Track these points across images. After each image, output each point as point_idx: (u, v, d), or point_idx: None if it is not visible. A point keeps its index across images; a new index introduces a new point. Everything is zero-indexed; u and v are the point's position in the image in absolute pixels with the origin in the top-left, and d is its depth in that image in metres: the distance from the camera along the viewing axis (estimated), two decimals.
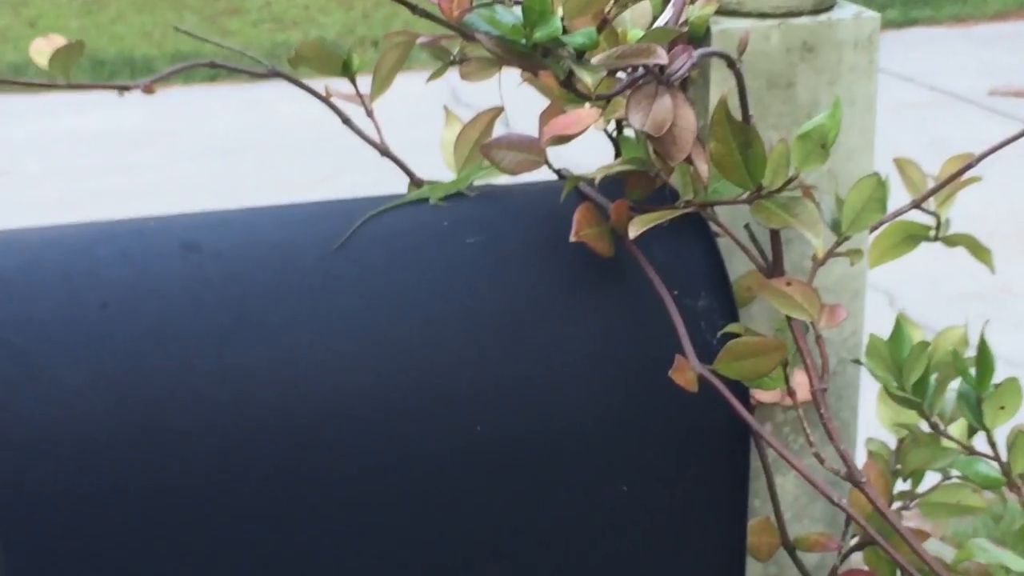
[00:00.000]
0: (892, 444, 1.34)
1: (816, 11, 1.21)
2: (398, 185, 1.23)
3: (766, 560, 1.22)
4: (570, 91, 0.99)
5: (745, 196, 1.07)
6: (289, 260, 1.09)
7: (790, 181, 1.05)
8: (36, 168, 5.46)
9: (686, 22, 1.04)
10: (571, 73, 0.96)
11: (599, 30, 0.94)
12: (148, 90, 1.22)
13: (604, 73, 0.95)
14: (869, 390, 1.29)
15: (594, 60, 0.95)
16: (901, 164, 1.35)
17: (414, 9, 1.09)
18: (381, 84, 1.28)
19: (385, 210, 1.12)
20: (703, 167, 1.03)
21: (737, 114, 1.05)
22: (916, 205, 1.35)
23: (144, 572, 1.02)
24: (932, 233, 1.39)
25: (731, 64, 1.01)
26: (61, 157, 5.40)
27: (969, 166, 1.30)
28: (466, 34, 1.08)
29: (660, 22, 1.00)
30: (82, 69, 6.05)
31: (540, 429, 1.09)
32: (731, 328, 1.10)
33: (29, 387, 1.00)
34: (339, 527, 1.06)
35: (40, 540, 0.99)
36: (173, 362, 1.03)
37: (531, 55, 0.96)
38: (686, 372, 1.04)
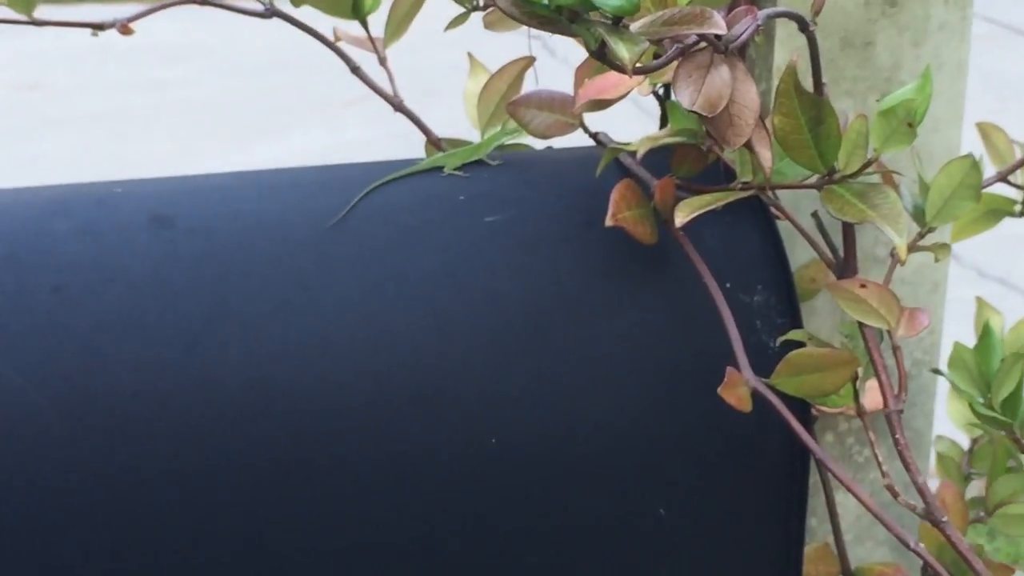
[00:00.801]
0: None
1: None
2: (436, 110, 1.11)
3: None
4: (603, 62, 0.83)
5: (814, 180, 0.93)
6: (276, 238, 0.97)
7: (868, 164, 0.90)
8: (66, 82, 5.37)
9: None
10: (604, 42, 0.79)
11: None
12: (125, 30, 1.08)
13: (645, 44, 0.78)
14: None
15: (634, 27, 0.78)
16: (985, 130, 1.20)
17: None
18: (396, 28, 1.15)
19: (391, 180, 1.00)
20: (765, 154, 0.87)
21: (807, 84, 0.90)
22: (1002, 178, 1.19)
23: None
24: (1018, 208, 1.24)
25: (803, 27, 0.84)
26: (91, 71, 5.28)
27: None
28: None
29: None
30: None
31: (565, 442, 0.97)
32: (794, 335, 0.97)
33: None
34: (327, 551, 0.93)
35: None
36: (136, 356, 0.90)
37: (555, 20, 0.79)
38: (738, 388, 0.90)
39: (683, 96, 0.81)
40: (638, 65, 0.79)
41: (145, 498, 0.89)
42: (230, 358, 0.91)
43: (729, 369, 0.90)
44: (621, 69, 0.80)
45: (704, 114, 0.82)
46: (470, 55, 1.20)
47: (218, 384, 0.91)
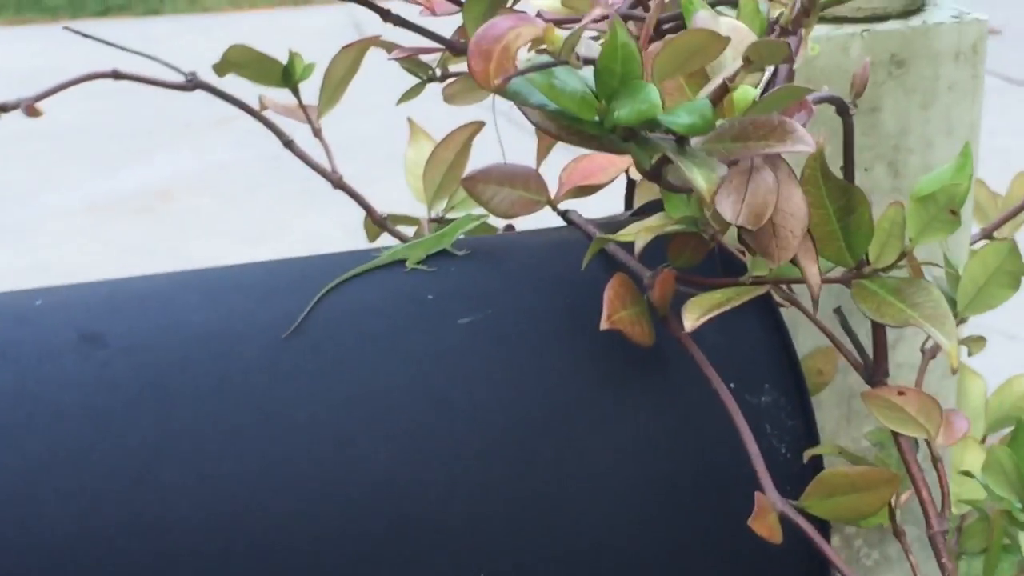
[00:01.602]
0: None
1: (907, 13, 0.98)
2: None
3: None
4: (660, 184, 0.73)
5: (840, 274, 0.84)
6: (224, 353, 0.88)
7: (903, 256, 0.82)
8: None
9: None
10: (664, 160, 0.69)
11: (714, 103, 0.67)
12: (32, 112, 1.02)
13: (724, 170, 0.68)
14: None
15: (702, 145, 0.68)
16: None
17: (386, 16, 0.90)
18: (331, 95, 1.09)
19: (349, 278, 0.92)
20: (812, 270, 0.79)
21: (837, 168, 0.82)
22: (987, 235, 1.14)
23: None
24: None
25: (843, 111, 0.75)
26: None
27: None
28: (455, 48, 0.87)
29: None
30: None
31: (561, 569, 0.90)
32: (820, 450, 0.91)
33: None
34: None
35: None
36: (75, 498, 0.81)
37: (604, 138, 0.69)
38: (768, 517, 0.81)
39: (724, 207, 0.71)
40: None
41: None
42: (181, 495, 0.83)
43: (758, 495, 0.82)
44: (679, 190, 0.71)
45: (749, 227, 0.72)
46: (410, 120, 1.14)
47: (169, 525, 0.82)
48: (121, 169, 4.65)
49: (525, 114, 0.72)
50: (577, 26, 0.67)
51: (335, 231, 4.33)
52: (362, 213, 1.09)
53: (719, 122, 0.68)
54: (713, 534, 0.91)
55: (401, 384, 0.88)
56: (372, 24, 0.96)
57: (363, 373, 0.88)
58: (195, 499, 0.83)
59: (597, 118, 0.65)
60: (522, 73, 0.66)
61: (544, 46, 0.69)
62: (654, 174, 0.72)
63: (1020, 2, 5.93)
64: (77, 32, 1.06)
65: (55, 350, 0.86)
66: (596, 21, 0.71)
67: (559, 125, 0.68)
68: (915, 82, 0.98)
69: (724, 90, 0.67)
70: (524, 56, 0.69)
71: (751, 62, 0.67)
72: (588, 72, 0.66)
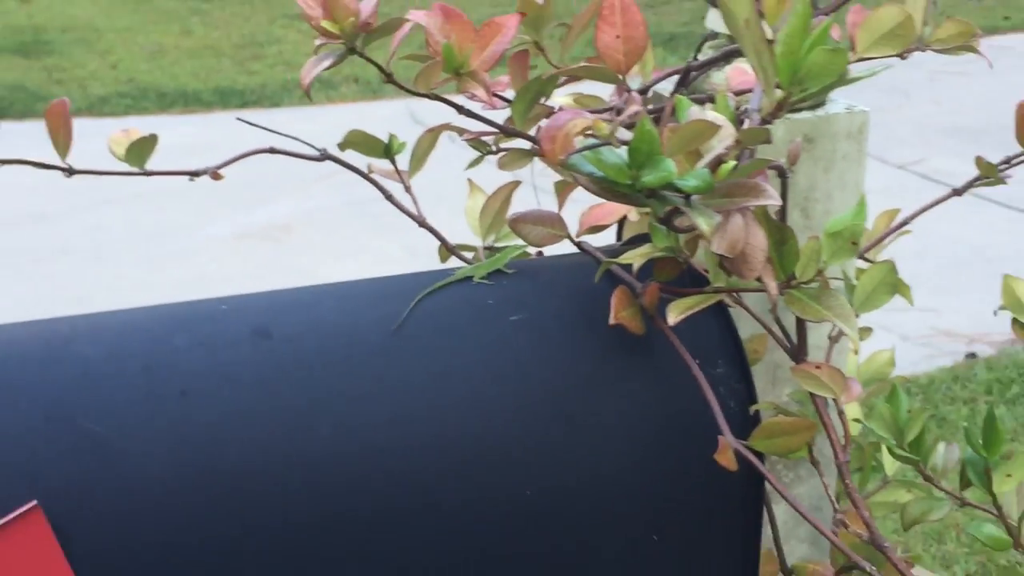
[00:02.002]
0: None
1: (815, 106, 0.96)
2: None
3: None
4: (668, 227, 0.70)
5: (774, 288, 0.80)
6: (354, 343, 0.86)
7: (819, 273, 0.79)
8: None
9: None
10: (675, 210, 0.66)
11: (712, 171, 0.64)
12: (216, 176, 0.98)
13: (718, 218, 0.65)
14: None
15: (701, 200, 0.65)
16: None
17: (460, 109, 0.87)
18: (417, 164, 1.05)
19: (434, 291, 0.90)
20: (771, 284, 0.76)
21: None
22: (861, 256, 1.09)
23: None
24: None
25: (782, 175, 0.72)
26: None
27: (902, 224, 1.07)
28: (507, 131, 0.84)
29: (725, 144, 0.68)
30: (148, 99, 5.85)
31: (585, 487, 0.87)
32: (759, 406, 0.88)
33: (110, 476, 0.76)
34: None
35: None
36: (249, 443, 0.79)
37: (632, 195, 0.66)
38: (727, 452, 0.80)
39: (714, 243, 0.69)
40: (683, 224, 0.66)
41: (260, 560, 0.79)
42: (323, 442, 0.81)
43: (720, 437, 0.81)
44: (681, 230, 0.68)
45: (727, 255, 0.69)
46: (470, 180, 1.08)
47: (315, 462, 0.80)
48: (256, 209, 4.61)
49: (576, 179, 0.69)
50: (616, 120, 0.65)
51: (398, 252, 4.32)
52: (413, 239, 1.06)
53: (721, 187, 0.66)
54: (689, 464, 0.88)
55: (471, 362, 0.86)
56: (424, 113, 0.94)
57: (446, 355, 0.85)
58: (333, 444, 0.81)
59: (629, 181, 0.63)
60: (579, 151, 0.64)
61: (591, 132, 0.67)
62: (665, 220, 0.69)
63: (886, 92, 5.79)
64: (246, 121, 1.02)
65: (236, 341, 0.83)
66: (619, 113, 0.69)
67: (601, 187, 0.66)
68: (820, 153, 0.95)
69: (719, 161, 0.64)
70: (579, 140, 0.67)
71: (740, 143, 0.65)
72: (623, 150, 0.64)
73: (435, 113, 0.90)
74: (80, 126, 0.96)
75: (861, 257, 1.10)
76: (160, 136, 0.97)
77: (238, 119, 1.04)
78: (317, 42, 0.78)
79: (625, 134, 0.64)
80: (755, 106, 0.68)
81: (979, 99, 5.77)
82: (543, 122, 0.70)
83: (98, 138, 1.03)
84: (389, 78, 0.82)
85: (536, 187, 1.07)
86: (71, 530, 0.74)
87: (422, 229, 1.04)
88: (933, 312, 3.43)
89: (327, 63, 0.78)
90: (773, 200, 0.65)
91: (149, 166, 0.97)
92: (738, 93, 0.81)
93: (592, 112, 0.71)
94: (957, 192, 1.05)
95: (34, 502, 0.72)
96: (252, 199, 4.62)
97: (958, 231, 4.09)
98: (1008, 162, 1.00)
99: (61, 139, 0.90)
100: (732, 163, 0.64)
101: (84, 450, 0.75)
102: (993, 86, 5.87)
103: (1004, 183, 1.00)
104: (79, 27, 7.17)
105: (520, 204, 0.99)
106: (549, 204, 0.98)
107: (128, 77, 6.13)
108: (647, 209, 0.80)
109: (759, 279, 0.74)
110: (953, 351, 3.32)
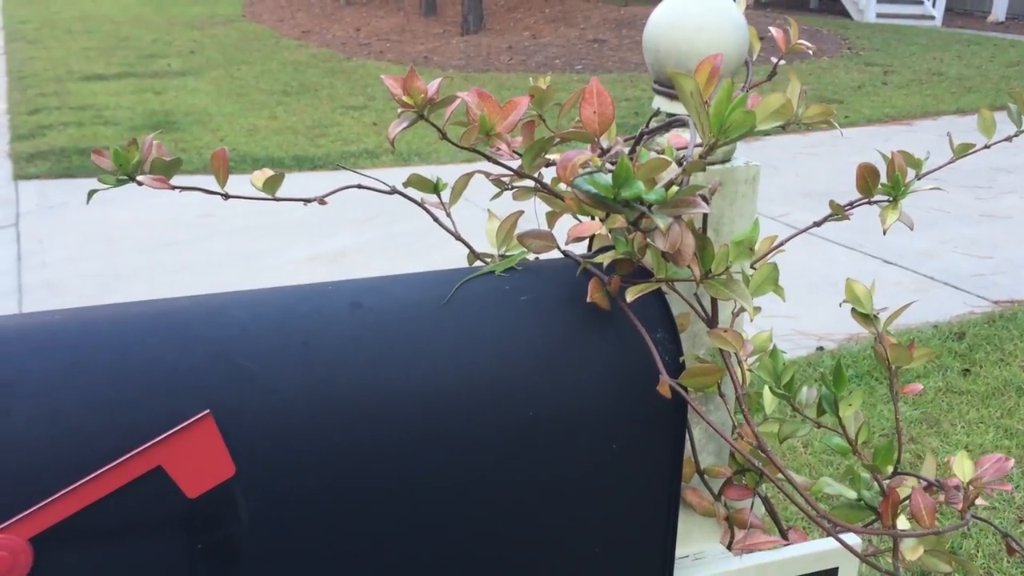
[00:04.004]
0: None
1: (724, 160, 0.98)
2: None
3: (688, 481, 1.00)
4: (637, 229, 0.74)
5: (699, 276, 0.84)
6: (416, 313, 0.86)
7: (727, 270, 0.82)
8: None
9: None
10: (641, 216, 0.70)
11: (667, 189, 0.69)
12: (321, 202, 0.99)
13: (671, 220, 0.69)
14: None
15: (658, 209, 0.69)
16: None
17: (488, 158, 0.89)
18: (455, 196, 1.07)
19: (470, 279, 0.91)
20: (697, 271, 0.79)
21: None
22: (752, 265, 1.11)
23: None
24: None
25: (706, 200, 0.76)
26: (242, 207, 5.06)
27: (777, 246, 1.07)
28: (519, 174, 0.87)
29: (672, 173, 0.73)
30: (246, 163, 5.84)
31: (569, 412, 0.88)
32: (685, 358, 0.90)
33: (256, 397, 0.77)
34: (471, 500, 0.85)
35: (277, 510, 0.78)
36: (350, 378, 0.81)
37: (613, 205, 0.70)
38: (665, 387, 0.84)
39: (659, 242, 0.72)
40: (644, 225, 0.70)
41: (354, 460, 0.80)
42: (396, 379, 0.82)
43: (660, 377, 0.84)
44: (643, 231, 0.72)
45: (669, 251, 0.73)
46: (489, 211, 1.11)
47: (391, 391, 0.81)
48: (323, 240, 4.59)
49: (576, 195, 0.72)
50: (607, 156, 0.69)
51: (424, 270, 4.31)
52: (436, 262, 1.08)
53: (671, 200, 0.70)
54: (639, 395, 0.89)
55: (495, 327, 0.87)
56: (445, 176, 0.96)
57: (478, 322, 0.86)
58: (405, 378, 0.81)
59: (613, 196, 0.67)
60: (582, 175, 0.68)
61: (590, 162, 0.71)
62: (634, 223, 0.73)
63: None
64: (348, 168, 1.05)
65: (339, 309, 0.84)
66: (605, 152, 0.73)
67: (593, 200, 0.69)
68: (727, 192, 0.97)
69: (670, 184, 0.69)
70: (580, 169, 0.71)
71: (687, 172, 0.69)
72: (609, 175, 0.68)
73: (440, 174, 0.93)
74: (199, 180, 0.99)
75: (752, 266, 1.14)
76: (252, 189, 0.99)
77: (339, 166, 1.07)
78: (399, 111, 0.81)
79: (609, 167, 0.69)
80: (689, 155, 0.73)
81: (826, 172, 5.85)
82: (553, 158, 0.73)
83: (209, 188, 1.05)
84: (443, 135, 0.86)
85: (536, 212, 1.10)
86: (230, 431, 0.75)
87: (441, 254, 1.07)
88: (794, 318, 3.49)
89: (405, 124, 0.82)
90: (704, 209, 0.69)
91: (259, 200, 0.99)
92: (677, 149, 0.85)
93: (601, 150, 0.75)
94: (816, 224, 1.08)
95: (207, 411, 0.74)
96: (320, 234, 4.62)
97: (811, 263, 4.17)
98: (852, 204, 1.04)
99: (221, 175, 0.92)
100: (676, 187, 0.69)
101: (239, 379, 0.77)
102: (836, 164, 5.95)
103: (848, 219, 1.04)
104: (197, 112, 7.16)
105: (524, 224, 1.02)
106: (544, 225, 1.02)
107: (231, 147, 6.12)
108: (616, 224, 0.84)
109: (689, 267, 0.77)
110: (807, 345, 3.37)
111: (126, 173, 0.83)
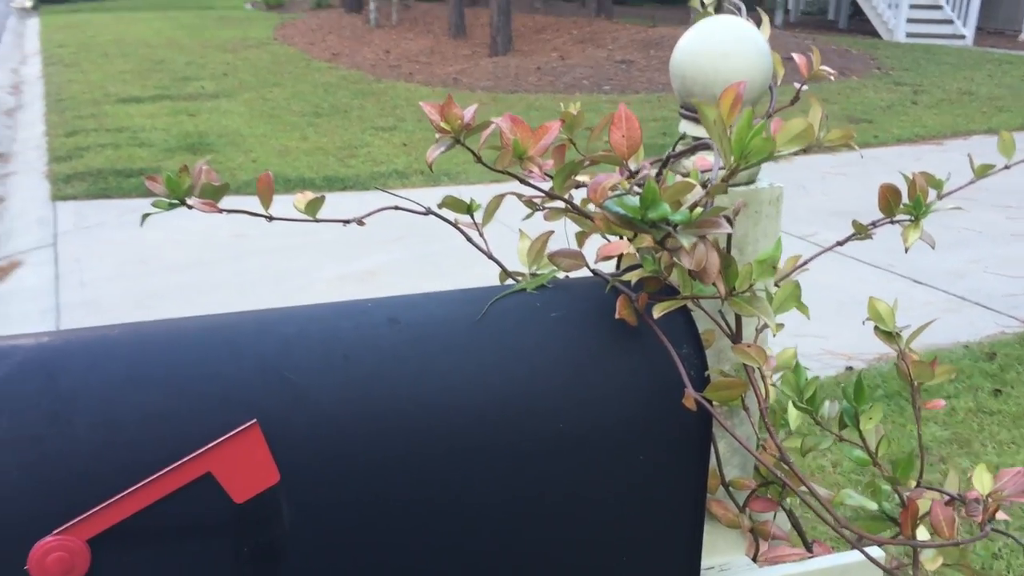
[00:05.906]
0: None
1: (748, 183, 1.01)
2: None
3: (713, 493, 1.03)
4: (662, 247, 0.77)
5: (724, 293, 0.87)
6: (452, 329, 0.89)
7: (751, 287, 0.85)
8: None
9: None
10: (667, 235, 0.74)
11: (691, 210, 0.72)
12: (360, 223, 1.02)
13: (695, 239, 0.73)
14: None
15: (683, 230, 0.73)
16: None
17: (521, 180, 0.92)
18: (487, 218, 1.09)
19: (502, 296, 0.94)
20: (722, 288, 0.82)
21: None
22: (776, 283, 1.14)
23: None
24: None
25: (729, 221, 0.79)
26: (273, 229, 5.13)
27: (802, 264, 1.11)
28: (551, 195, 0.91)
29: (696, 195, 0.77)
30: (278, 184, 5.93)
31: (598, 424, 0.90)
32: (710, 372, 0.92)
33: (300, 407, 0.81)
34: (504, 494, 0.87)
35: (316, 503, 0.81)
36: (388, 390, 0.84)
37: (640, 225, 0.74)
38: (690, 400, 0.87)
39: (685, 260, 0.76)
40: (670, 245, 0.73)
41: (392, 466, 0.83)
42: (435, 391, 0.85)
43: (686, 390, 0.86)
44: (670, 250, 0.75)
45: (695, 269, 0.76)
46: (521, 230, 1.13)
47: (427, 404, 0.84)
48: (352, 261, 4.65)
49: (605, 216, 0.76)
50: (635, 179, 0.72)
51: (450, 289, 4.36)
52: (461, 281, 1.10)
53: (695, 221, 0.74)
54: (665, 407, 0.90)
55: (526, 342, 0.89)
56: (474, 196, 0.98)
57: (511, 338, 0.89)
58: (439, 393, 0.84)
59: (640, 217, 0.71)
60: (611, 197, 0.71)
61: (619, 185, 0.74)
62: (661, 243, 0.76)
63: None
64: (383, 190, 1.09)
65: (377, 325, 0.87)
66: (634, 175, 0.76)
67: (621, 221, 0.73)
68: (751, 212, 1.00)
69: (695, 205, 0.72)
70: (610, 192, 0.74)
71: (711, 194, 0.73)
72: (637, 198, 0.72)
73: (469, 194, 0.95)
74: (234, 200, 1.03)
75: (775, 284, 1.17)
76: (286, 208, 1.02)
77: (377, 187, 1.11)
78: (437, 136, 0.85)
79: (636, 189, 0.72)
80: (713, 178, 0.76)
81: (855, 192, 5.85)
82: (583, 179, 0.77)
83: (244, 207, 1.07)
84: (479, 159, 0.90)
85: (566, 232, 1.13)
86: (275, 440, 0.79)
87: (468, 273, 1.09)
88: (823, 338, 3.50)
89: (443, 149, 0.86)
90: (727, 230, 0.72)
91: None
92: (702, 171, 0.88)
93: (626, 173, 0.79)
94: (840, 243, 1.11)
95: (254, 420, 0.78)
96: (349, 255, 4.68)
97: (841, 283, 4.17)
98: (875, 224, 1.07)
99: (266, 198, 0.97)
100: (700, 208, 0.72)
101: (284, 391, 0.81)
102: (865, 184, 5.94)
103: (871, 238, 1.06)
104: (230, 133, 7.29)
105: (554, 244, 1.04)
106: (573, 244, 1.05)
107: (264, 168, 6.23)
108: (643, 243, 0.88)
109: (714, 284, 0.80)
110: (837, 365, 3.37)
111: (177, 197, 0.88)
